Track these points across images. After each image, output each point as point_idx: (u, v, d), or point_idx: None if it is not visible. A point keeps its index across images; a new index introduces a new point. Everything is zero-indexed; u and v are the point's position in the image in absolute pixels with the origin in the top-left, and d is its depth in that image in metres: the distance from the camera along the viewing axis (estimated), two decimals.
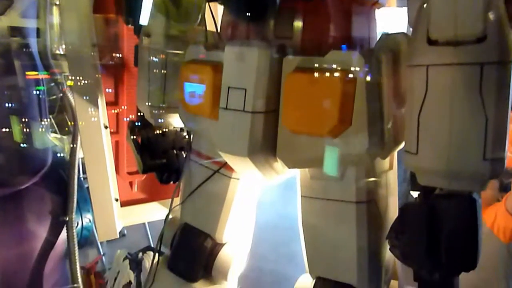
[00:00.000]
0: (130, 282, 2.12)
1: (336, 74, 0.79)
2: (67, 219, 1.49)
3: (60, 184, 1.57)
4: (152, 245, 2.77)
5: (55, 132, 2.17)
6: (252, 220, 1.21)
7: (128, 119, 1.52)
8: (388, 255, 0.96)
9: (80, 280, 1.46)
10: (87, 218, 1.57)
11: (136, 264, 2.12)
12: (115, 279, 2.11)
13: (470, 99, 0.69)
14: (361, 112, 0.80)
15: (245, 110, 0.85)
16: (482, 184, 0.74)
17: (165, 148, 1.26)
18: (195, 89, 0.96)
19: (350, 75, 0.79)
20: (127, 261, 2.10)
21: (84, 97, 1.38)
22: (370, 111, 0.80)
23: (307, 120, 0.82)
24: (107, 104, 1.40)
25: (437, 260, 0.75)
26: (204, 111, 0.96)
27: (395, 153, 0.99)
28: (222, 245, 1.15)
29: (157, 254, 1.22)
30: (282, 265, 3.68)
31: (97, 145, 1.36)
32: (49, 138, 1.77)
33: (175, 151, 1.26)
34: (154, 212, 1.51)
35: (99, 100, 1.39)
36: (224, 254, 1.14)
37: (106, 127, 1.38)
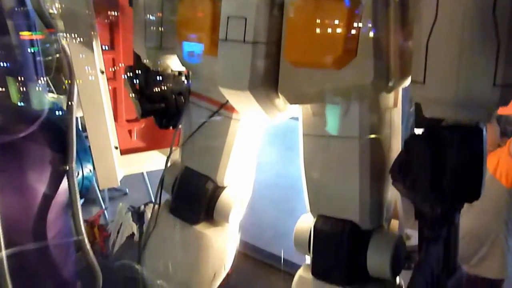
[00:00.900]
0: (133, 234, 2.16)
1: None
2: (67, 168, 1.47)
3: (59, 135, 1.55)
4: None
5: (52, 92, 2.15)
6: (254, 164, 1.20)
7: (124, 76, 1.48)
8: (389, 193, 0.96)
9: (83, 229, 1.47)
10: (87, 168, 1.56)
11: (138, 216, 2.15)
12: (118, 231, 2.15)
13: (482, 21, 0.65)
14: (367, 41, 0.76)
15: (246, 40, 0.81)
16: (490, 113, 0.72)
17: (163, 92, 1.24)
18: (193, 23, 0.92)
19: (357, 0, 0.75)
20: (129, 213, 2.13)
21: (80, 45, 1.34)
22: (376, 40, 0.77)
23: (310, 50, 0.79)
24: (102, 49, 1.36)
25: (441, 192, 0.74)
26: (203, 46, 0.93)
27: (400, 92, 0.97)
28: (223, 188, 1.15)
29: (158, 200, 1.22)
30: (281, 221, 3.73)
31: (95, 91, 1.33)
32: (46, 97, 1.75)
33: (173, 96, 1.23)
34: (154, 161, 1.50)
35: (95, 46, 1.35)
36: (225, 197, 1.14)
37: (102, 72, 1.35)
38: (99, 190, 3.47)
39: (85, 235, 1.54)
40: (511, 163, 1.79)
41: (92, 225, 2.18)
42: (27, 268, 1.49)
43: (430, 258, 0.85)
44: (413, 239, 1.04)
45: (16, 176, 1.46)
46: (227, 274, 1.98)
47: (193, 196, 1.14)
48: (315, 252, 0.94)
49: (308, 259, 1.02)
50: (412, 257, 0.99)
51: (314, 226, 0.94)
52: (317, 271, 0.94)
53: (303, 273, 0.98)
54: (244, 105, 0.92)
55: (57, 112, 1.68)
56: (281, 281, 1.89)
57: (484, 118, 0.72)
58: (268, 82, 0.86)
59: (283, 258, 2.04)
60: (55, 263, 1.56)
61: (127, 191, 4.36)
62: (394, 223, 1.05)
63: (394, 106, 0.96)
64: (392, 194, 0.99)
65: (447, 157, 0.72)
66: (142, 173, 4.22)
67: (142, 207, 2.19)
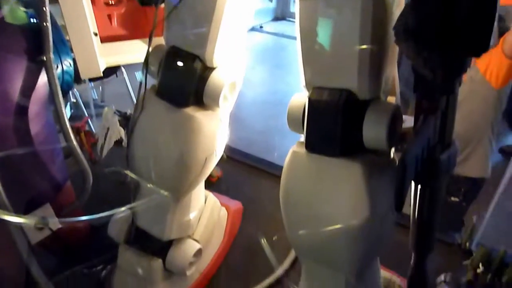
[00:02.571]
0: (121, 139, 2.12)
1: None
2: (45, 59, 1.38)
3: (33, 23, 1.43)
4: None
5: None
6: (244, 42, 1.13)
7: None
8: (389, 62, 0.91)
9: (67, 121, 1.42)
10: (67, 61, 1.47)
11: (126, 120, 2.10)
12: (106, 136, 2.11)
13: None
14: None
15: None
16: None
17: None
18: None
19: None
20: (116, 117, 2.07)
21: None
22: None
23: None
24: None
25: (447, 44, 0.69)
26: None
27: None
28: (212, 69, 1.09)
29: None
30: (270, 136, 3.77)
31: None
32: (21, 11, 1.61)
33: None
34: (137, 51, 1.41)
35: None
36: (215, 78, 1.08)
37: None
38: (79, 96, 3.35)
39: (69, 127, 1.49)
40: (503, 61, 1.75)
41: (78, 131, 2.12)
42: (13, 166, 1.46)
43: (427, 128, 0.83)
44: (407, 123, 1.02)
45: None
46: (218, 177, 2.00)
47: (181, 77, 1.08)
48: (309, 124, 0.91)
49: (301, 137, 1.00)
50: (406, 138, 0.98)
51: (309, 98, 0.90)
52: (311, 143, 0.92)
53: (296, 148, 0.96)
54: None
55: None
56: (271, 183, 1.92)
57: None
58: None
59: (273, 163, 2.06)
60: (41, 160, 1.53)
61: (114, 107, 4.30)
62: (390, 99, 1.02)
63: None
64: (392, 70, 0.95)
65: (457, 4, 0.66)
66: (128, 91, 4.14)
67: (129, 111, 2.13)
